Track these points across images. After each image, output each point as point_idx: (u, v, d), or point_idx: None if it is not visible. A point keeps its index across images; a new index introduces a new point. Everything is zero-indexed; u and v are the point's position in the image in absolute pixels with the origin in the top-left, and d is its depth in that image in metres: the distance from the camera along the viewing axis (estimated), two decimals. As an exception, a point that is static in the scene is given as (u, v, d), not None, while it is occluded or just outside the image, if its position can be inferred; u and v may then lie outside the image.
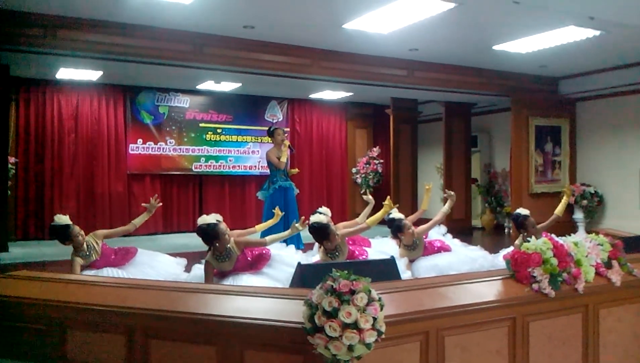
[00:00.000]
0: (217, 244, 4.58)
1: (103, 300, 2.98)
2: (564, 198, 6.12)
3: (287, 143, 7.50)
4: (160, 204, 5.31)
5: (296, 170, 7.93)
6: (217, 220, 4.66)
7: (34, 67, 9.07)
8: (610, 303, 3.39)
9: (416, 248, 5.62)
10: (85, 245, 4.74)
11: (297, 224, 4.86)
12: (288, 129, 12.06)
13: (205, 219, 4.63)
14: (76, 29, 6.86)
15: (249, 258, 4.77)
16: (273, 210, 5.54)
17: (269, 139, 7.86)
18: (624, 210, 9.76)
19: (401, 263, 5.01)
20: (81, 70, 8.99)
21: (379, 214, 5.29)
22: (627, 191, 9.72)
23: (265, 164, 12.17)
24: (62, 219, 4.73)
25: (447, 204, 6.06)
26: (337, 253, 4.79)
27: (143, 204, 5.30)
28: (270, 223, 5.56)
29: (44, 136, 10.38)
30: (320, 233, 4.73)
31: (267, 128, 8.11)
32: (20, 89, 10.15)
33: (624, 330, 3.45)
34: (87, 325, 2.97)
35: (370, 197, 6.36)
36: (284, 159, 7.41)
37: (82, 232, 4.77)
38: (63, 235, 4.71)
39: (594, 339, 3.31)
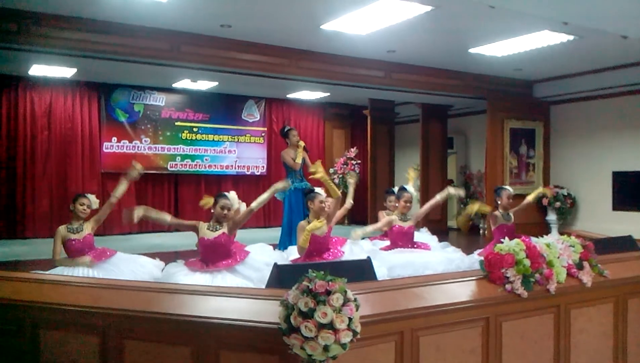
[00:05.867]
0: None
1: (76, 300, 2.94)
2: (540, 190, 6.66)
3: (302, 143, 7.38)
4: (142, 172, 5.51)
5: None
6: None
7: (6, 63, 8.89)
8: (582, 303, 3.45)
9: (405, 221, 5.95)
10: (79, 222, 5.08)
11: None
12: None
13: None
14: (50, 25, 6.75)
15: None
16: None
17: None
18: (596, 212, 9.95)
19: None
20: (55, 67, 8.85)
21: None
22: (599, 193, 9.90)
23: (242, 164, 12.36)
24: (89, 196, 5.29)
25: (441, 194, 6.10)
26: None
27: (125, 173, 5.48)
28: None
29: (16, 134, 10.19)
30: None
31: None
32: (-8, 86, 9.97)
33: (595, 330, 3.52)
34: (60, 326, 2.93)
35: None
36: (299, 160, 7.30)
37: (88, 211, 5.15)
38: (74, 199, 5.22)
39: (566, 339, 3.37)
